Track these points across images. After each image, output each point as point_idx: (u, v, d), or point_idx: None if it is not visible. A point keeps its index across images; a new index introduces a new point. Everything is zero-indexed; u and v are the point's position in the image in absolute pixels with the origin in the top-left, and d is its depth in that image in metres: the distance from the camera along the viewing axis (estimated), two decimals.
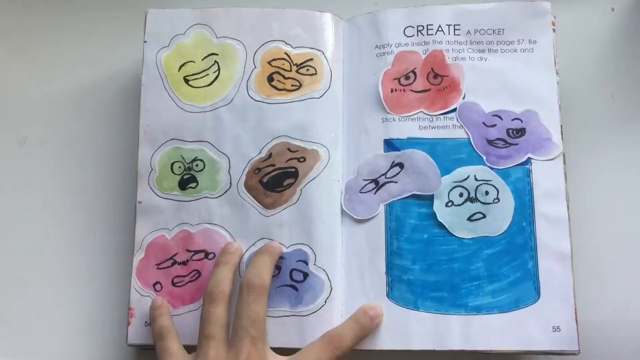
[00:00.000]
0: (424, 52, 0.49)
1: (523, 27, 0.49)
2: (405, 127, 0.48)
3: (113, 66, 0.56)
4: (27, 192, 0.54)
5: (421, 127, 0.48)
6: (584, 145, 0.50)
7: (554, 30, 0.49)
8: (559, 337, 0.44)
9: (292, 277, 0.46)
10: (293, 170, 0.48)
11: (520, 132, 0.47)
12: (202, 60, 0.50)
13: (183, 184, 0.49)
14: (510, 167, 0.47)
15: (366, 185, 0.48)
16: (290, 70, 0.49)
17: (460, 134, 0.48)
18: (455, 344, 0.44)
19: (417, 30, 0.50)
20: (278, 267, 0.46)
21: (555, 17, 0.50)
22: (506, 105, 0.48)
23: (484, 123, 0.47)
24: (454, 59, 0.49)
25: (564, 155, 0.47)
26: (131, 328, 0.47)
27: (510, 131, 0.47)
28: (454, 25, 0.50)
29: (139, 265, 0.48)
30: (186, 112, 0.49)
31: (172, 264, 0.48)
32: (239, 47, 0.50)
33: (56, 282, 0.52)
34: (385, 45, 0.50)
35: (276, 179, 0.48)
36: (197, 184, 0.49)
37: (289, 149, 0.48)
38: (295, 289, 0.46)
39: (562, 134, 0.47)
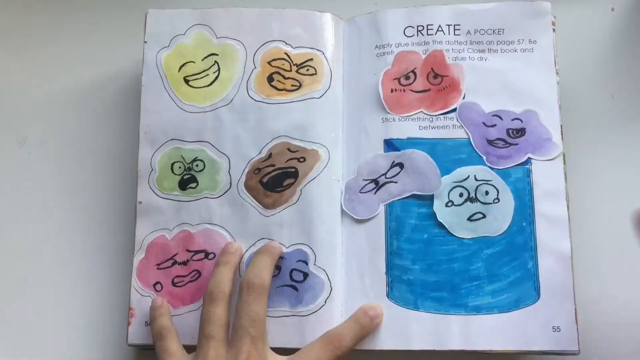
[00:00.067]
0: (424, 52, 0.49)
1: (523, 27, 0.49)
2: (405, 127, 0.48)
3: (113, 66, 0.56)
4: (27, 192, 0.54)
5: (421, 127, 0.48)
6: (584, 145, 0.50)
7: (554, 30, 0.49)
8: (559, 337, 0.44)
9: (292, 277, 0.46)
10: (293, 170, 0.48)
11: (520, 132, 0.47)
12: (202, 60, 0.50)
13: (183, 184, 0.49)
14: (510, 167, 0.47)
15: (366, 185, 0.48)
16: (290, 70, 0.49)
17: (460, 134, 0.48)
18: (455, 344, 0.44)
19: (417, 30, 0.50)
20: (278, 267, 0.46)
21: (555, 17, 0.50)
22: (506, 105, 0.48)
23: (484, 123, 0.47)
24: (454, 59, 0.49)
25: (564, 155, 0.47)
26: (131, 328, 0.47)
27: (510, 131, 0.47)
28: (454, 25, 0.50)
29: (139, 265, 0.48)
30: (186, 112, 0.49)
31: (173, 264, 0.48)
32: (239, 47, 0.50)
33: (56, 282, 0.52)
34: (385, 45, 0.50)
35: (276, 179, 0.48)
36: (197, 184, 0.49)
37: (289, 149, 0.48)
38: (295, 289, 0.46)
39: (562, 134, 0.47)
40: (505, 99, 0.48)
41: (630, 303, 0.48)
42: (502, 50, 0.49)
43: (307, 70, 0.49)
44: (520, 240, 0.46)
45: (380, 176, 0.48)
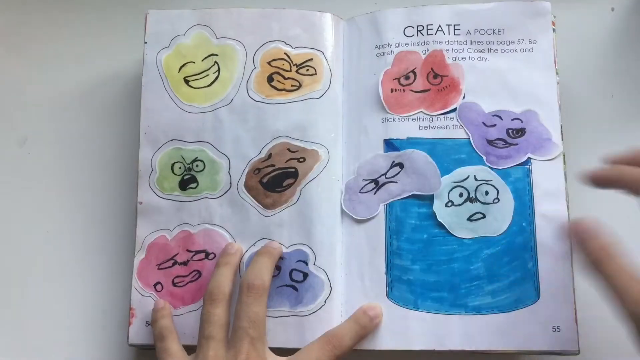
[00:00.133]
0: (424, 52, 0.49)
1: (523, 27, 0.49)
2: (405, 127, 0.48)
3: (113, 66, 0.56)
4: (27, 192, 0.54)
5: (421, 127, 0.48)
6: (584, 145, 0.50)
7: (554, 30, 0.49)
8: (559, 337, 0.44)
9: (292, 277, 0.46)
10: (293, 170, 0.48)
11: (520, 132, 0.47)
12: (202, 60, 0.50)
13: (183, 185, 0.49)
14: (510, 167, 0.47)
15: (366, 185, 0.48)
16: (290, 71, 0.49)
17: (460, 134, 0.48)
18: (455, 344, 0.44)
19: (417, 30, 0.50)
20: (278, 267, 0.46)
21: (555, 17, 0.50)
22: (506, 105, 0.48)
23: (483, 123, 0.47)
24: (453, 59, 0.49)
25: (564, 155, 0.47)
26: (132, 328, 0.47)
27: (510, 131, 0.47)
28: (454, 25, 0.50)
29: (139, 265, 0.48)
30: (186, 112, 0.49)
31: (173, 264, 0.48)
32: (238, 48, 0.50)
33: (56, 283, 0.52)
34: (385, 45, 0.50)
35: (276, 179, 0.48)
36: (198, 184, 0.49)
37: (288, 149, 0.48)
38: (295, 289, 0.46)
39: (562, 134, 0.47)
40: (505, 99, 0.48)
41: None
42: (502, 50, 0.49)
43: (307, 70, 0.49)
44: (520, 240, 0.46)
45: (380, 176, 0.48)
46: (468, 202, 0.47)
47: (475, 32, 0.49)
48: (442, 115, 0.48)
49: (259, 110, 0.49)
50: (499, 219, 0.46)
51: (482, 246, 0.46)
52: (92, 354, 0.50)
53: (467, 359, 0.48)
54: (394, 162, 0.47)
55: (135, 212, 0.49)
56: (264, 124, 0.49)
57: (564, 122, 0.48)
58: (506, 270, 0.46)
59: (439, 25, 0.50)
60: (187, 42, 0.51)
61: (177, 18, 0.51)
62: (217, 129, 0.49)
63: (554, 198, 0.46)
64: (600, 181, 0.42)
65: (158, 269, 0.48)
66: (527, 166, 0.47)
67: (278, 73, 0.49)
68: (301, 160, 0.48)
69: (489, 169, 0.47)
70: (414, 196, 0.47)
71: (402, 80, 0.49)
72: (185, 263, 0.48)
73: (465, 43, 0.49)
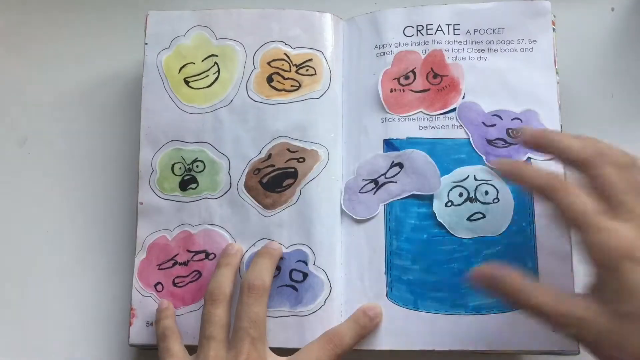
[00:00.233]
0: (424, 52, 0.49)
1: (523, 26, 0.49)
2: (405, 127, 0.48)
3: (114, 67, 0.56)
4: (27, 192, 0.54)
5: (421, 127, 0.48)
6: None
7: (554, 29, 0.49)
8: (559, 337, 0.44)
9: (292, 277, 0.46)
10: (292, 170, 0.48)
11: (520, 132, 0.47)
12: (202, 61, 0.50)
13: (183, 185, 0.49)
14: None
15: (366, 185, 0.48)
16: (290, 71, 0.49)
17: (459, 133, 0.48)
18: (455, 344, 0.44)
19: (417, 30, 0.50)
20: (278, 268, 0.47)
21: (555, 17, 0.50)
22: (506, 105, 0.48)
23: (483, 123, 0.47)
24: (453, 58, 0.49)
25: None
26: (133, 328, 0.47)
27: (510, 131, 0.47)
28: (454, 25, 0.50)
29: (140, 265, 0.48)
30: (186, 113, 0.50)
31: (173, 265, 0.48)
32: (238, 49, 0.50)
33: (57, 283, 0.52)
34: (385, 45, 0.50)
35: (276, 179, 0.48)
36: (198, 184, 0.49)
37: (288, 150, 0.48)
38: (295, 289, 0.46)
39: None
40: (505, 99, 0.48)
41: None
42: (502, 50, 0.49)
43: (307, 70, 0.49)
44: (520, 240, 0.46)
45: (379, 176, 0.48)
46: (468, 202, 0.46)
47: (475, 31, 0.49)
48: (442, 115, 0.48)
49: (259, 111, 0.49)
50: (499, 219, 0.46)
51: (482, 246, 0.46)
52: (92, 354, 0.50)
53: (467, 359, 0.48)
54: (393, 162, 0.48)
55: (136, 212, 0.49)
56: (263, 125, 0.49)
57: (564, 122, 0.48)
58: None
59: (439, 25, 0.50)
60: (187, 43, 0.51)
61: (177, 19, 0.51)
62: (217, 129, 0.49)
63: None
64: (504, 172, 0.43)
65: (158, 269, 0.48)
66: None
67: (278, 73, 0.50)
68: (301, 160, 0.48)
69: (489, 169, 0.47)
70: (413, 196, 0.47)
71: (402, 80, 0.49)
72: (185, 263, 0.48)
73: (465, 43, 0.49)
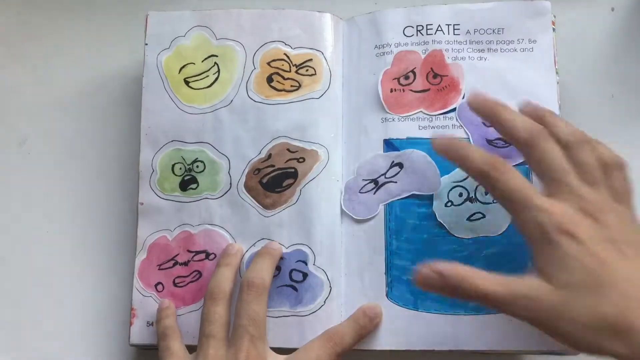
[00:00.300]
0: (424, 52, 0.49)
1: (523, 26, 0.49)
2: (405, 127, 0.48)
3: (114, 67, 0.56)
4: (27, 192, 0.54)
5: (421, 127, 0.48)
6: None
7: (554, 30, 0.49)
8: None
9: (292, 277, 0.46)
10: (292, 170, 0.48)
11: None
12: (202, 61, 0.50)
13: (184, 185, 0.49)
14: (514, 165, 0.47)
15: (365, 185, 0.48)
16: (290, 71, 0.49)
17: (459, 133, 0.48)
18: (455, 344, 0.44)
19: (417, 30, 0.50)
20: (278, 268, 0.47)
21: (555, 17, 0.49)
22: None
23: (483, 123, 0.47)
24: (453, 58, 0.49)
25: None
26: (133, 328, 0.47)
27: None
28: (454, 25, 0.49)
29: (140, 265, 0.48)
30: (186, 113, 0.50)
31: (174, 265, 0.48)
32: (238, 49, 0.50)
33: (57, 283, 0.52)
34: (384, 45, 0.50)
35: (276, 179, 0.48)
36: (198, 184, 0.49)
37: (288, 150, 0.48)
38: (295, 289, 0.46)
39: None
40: (505, 99, 0.47)
41: None
42: (502, 50, 0.49)
43: (307, 70, 0.49)
44: (520, 240, 0.45)
45: (379, 176, 0.48)
46: (468, 202, 0.46)
47: (475, 31, 0.49)
48: (442, 115, 0.48)
49: (259, 111, 0.49)
50: (499, 218, 0.46)
51: (482, 246, 0.46)
52: (92, 354, 0.51)
53: (467, 359, 0.48)
54: (393, 162, 0.48)
55: (136, 212, 0.49)
56: (263, 125, 0.49)
57: None
58: (506, 270, 0.45)
59: (439, 25, 0.50)
60: (187, 44, 0.51)
61: (177, 19, 0.51)
62: (217, 129, 0.49)
63: None
64: (442, 151, 0.43)
65: (159, 269, 0.48)
66: (527, 166, 0.47)
67: (278, 73, 0.50)
68: (301, 160, 0.48)
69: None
70: (413, 196, 0.47)
71: (402, 80, 0.49)
72: (185, 263, 0.48)
73: (464, 43, 0.49)
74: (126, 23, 0.57)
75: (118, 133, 0.54)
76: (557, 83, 0.48)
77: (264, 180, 0.48)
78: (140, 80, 0.51)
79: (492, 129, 0.47)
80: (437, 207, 0.46)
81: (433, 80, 0.49)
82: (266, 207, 0.48)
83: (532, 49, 0.49)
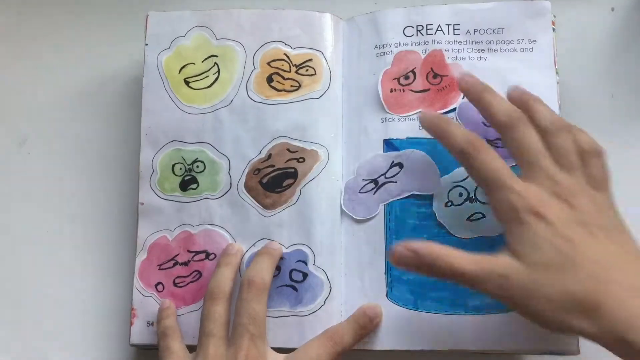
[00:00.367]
0: (424, 51, 0.49)
1: (523, 26, 0.49)
2: (405, 127, 0.48)
3: (114, 67, 0.56)
4: (27, 192, 0.54)
5: (420, 127, 0.48)
6: None
7: (554, 29, 0.49)
8: (559, 337, 0.44)
9: (292, 277, 0.46)
10: (292, 170, 0.48)
11: None
12: (202, 62, 0.50)
13: (184, 185, 0.49)
14: (510, 167, 0.47)
15: (365, 185, 0.48)
16: (290, 71, 0.49)
17: None
18: (455, 344, 0.44)
19: (417, 30, 0.50)
20: (278, 268, 0.47)
21: (555, 17, 0.49)
22: None
23: (483, 123, 0.47)
24: (453, 58, 0.49)
25: None
26: (134, 328, 0.47)
27: None
28: (454, 25, 0.49)
29: (141, 266, 0.48)
30: (187, 113, 0.50)
31: (174, 265, 0.48)
32: (238, 49, 0.50)
33: (57, 283, 0.52)
34: (384, 45, 0.50)
35: (276, 179, 0.48)
36: (198, 185, 0.49)
37: (288, 150, 0.48)
38: (295, 289, 0.46)
39: None
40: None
41: None
42: (502, 50, 0.49)
43: (307, 70, 0.49)
44: None
45: (379, 176, 0.48)
46: (468, 202, 0.46)
47: (474, 31, 0.49)
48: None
49: (259, 111, 0.49)
50: None
51: (482, 246, 0.46)
52: (93, 354, 0.51)
53: (467, 359, 0.48)
54: (393, 162, 0.47)
55: (137, 212, 0.49)
56: (263, 125, 0.49)
57: None
58: None
59: (439, 25, 0.50)
60: (187, 44, 0.51)
61: (177, 20, 0.51)
62: (217, 129, 0.49)
63: None
64: (427, 126, 0.44)
65: (159, 269, 0.48)
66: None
67: (278, 73, 0.50)
68: (301, 160, 0.48)
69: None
70: (413, 196, 0.47)
71: (402, 80, 0.49)
72: (186, 263, 0.48)
73: (464, 43, 0.49)
74: (126, 23, 0.57)
75: (118, 133, 0.54)
76: (557, 83, 0.48)
77: (264, 180, 0.48)
78: (140, 80, 0.51)
79: (492, 129, 0.47)
80: (437, 207, 0.46)
81: (433, 80, 0.49)
82: (266, 207, 0.48)
83: (532, 49, 0.49)
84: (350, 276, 0.47)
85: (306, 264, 0.46)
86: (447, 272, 0.38)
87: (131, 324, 0.48)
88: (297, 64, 0.50)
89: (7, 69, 0.57)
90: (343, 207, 0.47)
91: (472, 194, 0.46)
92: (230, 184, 0.48)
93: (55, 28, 0.58)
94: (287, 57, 0.50)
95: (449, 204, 0.47)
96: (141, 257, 0.48)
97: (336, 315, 0.46)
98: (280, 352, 0.44)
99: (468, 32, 0.49)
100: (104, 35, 0.57)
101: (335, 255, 0.47)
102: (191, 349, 0.45)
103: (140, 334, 0.47)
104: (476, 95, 0.44)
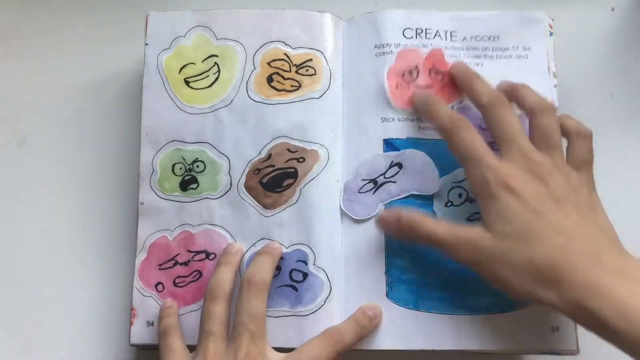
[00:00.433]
0: (424, 51, 0.49)
1: (518, 34, 0.50)
2: (405, 127, 0.48)
3: (114, 67, 0.56)
4: (27, 192, 0.54)
5: (420, 127, 0.48)
6: None
7: (551, 33, 0.49)
8: (558, 337, 0.44)
9: (292, 277, 0.46)
10: (292, 170, 0.48)
11: None
12: (203, 62, 0.50)
13: (184, 185, 0.49)
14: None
15: (365, 185, 0.48)
16: (290, 71, 0.50)
17: None
18: (455, 344, 0.44)
19: (416, 33, 0.50)
20: (278, 268, 0.47)
21: (553, 20, 0.50)
22: None
23: (480, 126, 0.47)
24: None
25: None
26: (134, 328, 0.47)
27: None
28: (451, 31, 0.50)
29: (141, 265, 0.48)
30: (187, 113, 0.50)
31: (174, 265, 0.48)
32: (238, 49, 0.50)
33: (57, 283, 0.52)
34: (384, 45, 0.50)
35: (276, 179, 0.48)
36: (198, 184, 0.49)
37: (288, 150, 0.48)
38: (295, 289, 0.46)
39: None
40: None
41: None
42: (498, 57, 0.49)
43: (307, 70, 0.49)
44: None
45: (379, 176, 0.48)
46: (467, 202, 0.47)
47: (471, 38, 0.50)
48: None
49: (259, 111, 0.49)
50: None
51: None
52: (93, 354, 0.51)
53: (467, 359, 0.48)
54: (393, 162, 0.48)
55: (137, 212, 0.49)
56: (263, 125, 0.49)
57: None
58: None
59: (437, 31, 0.50)
60: (188, 44, 0.51)
61: (177, 19, 0.51)
62: (217, 129, 0.49)
63: None
64: (416, 105, 0.48)
65: (159, 269, 0.48)
66: None
67: (278, 73, 0.50)
68: (301, 160, 0.48)
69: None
70: (413, 196, 0.47)
71: (407, 76, 0.49)
72: (186, 263, 0.48)
73: (461, 49, 0.50)
74: (126, 23, 0.57)
75: (118, 133, 0.54)
76: (555, 86, 0.48)
77: (264, 180, 0.48)
78: (140, 80, 0.51)
79: (488, 133, 0.47)
80: (437, 207, 0.47)
81: (435, 77, 0.49)
82: (266, 207, 0.48)
83: (527, 56, 0.49)
84: (350, 276, 0.47)
85: (306, 263, 0.47)
86: (423, 235, 0.42)
87: (131, 324, 0.48)
88: (297, 64, 0.50)
89: (7, 68, 0.57)
90: (342, 207, 0.47)
91: (471, 194, 0.47)
92: (231, 183, 0.48)
93: (56, 28, 0.58)
94: (287, 57, 0.50)
95: (449, 204, 0.47)
96: (141, 257, 0.48)
97: (336, 315, 0.46)
98: (280, 352, 0.44)
99: (465, 38, 0.50)
100: (104, 35, 0.57)
101: (336, 255, 0.47)
102: (191, 348, 0.45)
103: (140, 334, 0.47)
104: (465, 80, 0.47)
